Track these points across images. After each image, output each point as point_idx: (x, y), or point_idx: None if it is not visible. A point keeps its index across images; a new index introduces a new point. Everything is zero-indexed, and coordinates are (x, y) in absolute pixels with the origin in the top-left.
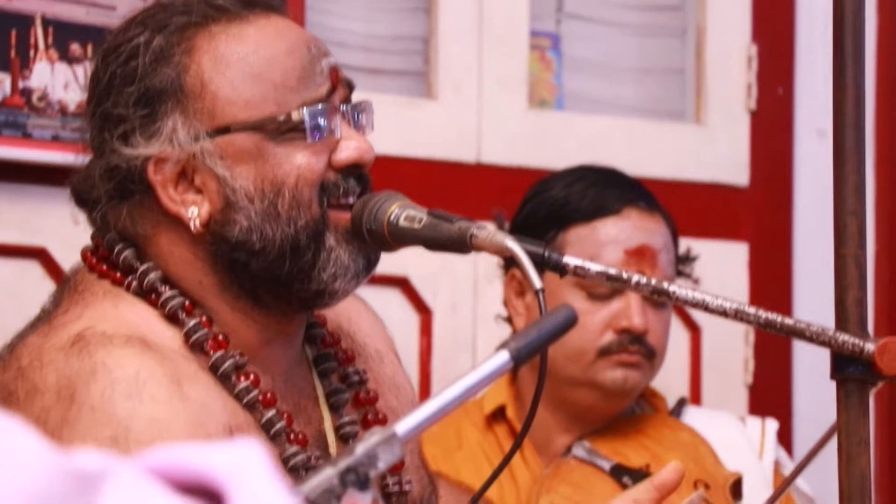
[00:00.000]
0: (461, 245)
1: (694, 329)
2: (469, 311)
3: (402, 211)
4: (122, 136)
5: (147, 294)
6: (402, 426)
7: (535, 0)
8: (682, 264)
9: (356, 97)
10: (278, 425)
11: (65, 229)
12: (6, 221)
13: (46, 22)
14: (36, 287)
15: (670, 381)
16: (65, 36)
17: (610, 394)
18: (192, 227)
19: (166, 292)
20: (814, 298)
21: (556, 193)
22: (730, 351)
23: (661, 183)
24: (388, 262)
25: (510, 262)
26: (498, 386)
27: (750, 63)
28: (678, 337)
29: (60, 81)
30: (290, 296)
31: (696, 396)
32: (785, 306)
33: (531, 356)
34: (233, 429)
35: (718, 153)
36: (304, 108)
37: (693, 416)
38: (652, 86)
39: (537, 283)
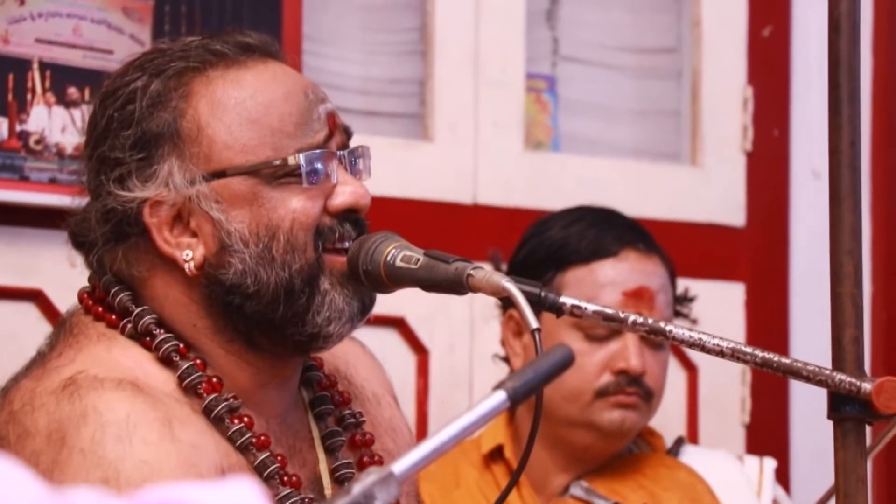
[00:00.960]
0: (458, 286)
1: (691, 369)
2: (466, 352)
3: (399, 252)
4: (118, 179)
5: (142, 337)
6: (399, 465)
7: (531, 42)
8: (680, 304)
9: (354, 142)
10: (272, 468)
11: (61, 272)
12: (3, 264)
13: (44, 66)
14: (32, 329)
15: (667, 420)
16: (62, 79)
17: (607, 435)
18: (187, 270)
19: (160, 335)
20: (810, 338)
21: (555, 234)
22: (727, 390)
23: (658, 224)
24: (385, 303)
25: (507, 302)
26: (495, 425)
27: (745, 105)
28: (675, 376)
29: (58, 125)
30: (285, 339)
31: (693, 436)
32: (781, 346)
33: (528, 396)
34: (225, 470)
35: (715, 194)
36: (301, 154)
37: (691, 456)
38: (648, 127)
39: (533, 323)
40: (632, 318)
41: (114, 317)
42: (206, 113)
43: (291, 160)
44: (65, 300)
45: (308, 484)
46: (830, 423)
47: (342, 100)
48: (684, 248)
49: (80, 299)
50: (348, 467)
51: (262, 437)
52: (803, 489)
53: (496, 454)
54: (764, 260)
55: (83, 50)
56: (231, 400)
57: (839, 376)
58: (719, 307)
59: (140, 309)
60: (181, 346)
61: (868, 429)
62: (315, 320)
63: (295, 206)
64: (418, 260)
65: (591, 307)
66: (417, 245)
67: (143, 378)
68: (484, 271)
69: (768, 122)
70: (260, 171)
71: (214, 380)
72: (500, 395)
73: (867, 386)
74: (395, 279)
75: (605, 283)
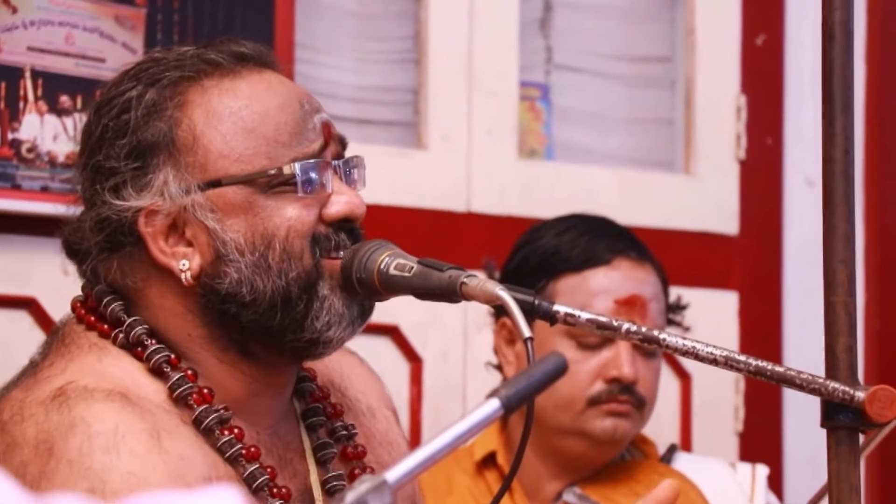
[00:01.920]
0: (451, 293)
1: (684, 377)
2: (459, 360)
3: (393, 259)
4: (113, 188)
5: (133, 347)
6: (393, 473)
7: (524, 51)
8: (673, 312)
9: (348, 152)
10: (261, 479)
11: (55, 279)
12: None
13: (36, 74)
14: (25, 337)
15: (660, 428)
16: (54, 88)
17: (600, 443)
18: (183, 280)
19: (152, 346)
20: (804, 346)
21: (547, 242)
22: (720, 399)
23: (651, 232)
24: (378, 311)
25: (500, 310)
26: (488, 433)
27: (739, 113)
28: (668, 385)
29: (50, 133)
30: (282, 346)
31: (686, 444)
32: (775, 354)
33: (521, 404)
34: (214, 482)
35: (708, 202)
36: (296, 163)
37: (683, 463)
38: (641, 136)
39: (526, 331)
40: (625, 326)
41: (106, 326)
42: (201, 122)
43: (287, 169)
44: (58, 308)
45: (298, 496)
46: (824, 432)
47: (335, 108)
48: (677, 257)
49: (73, 308)
50: (339, 479)
51: (252, 449)
52: (796, 498)
53: (489, 461)
54: (757, 268)
55: (75, 58)
56: (222, 411)
57: (832, 385)
58: (713, 316)
59: (132, 319)
60: (173, 356)
61: (861, 437)
62: (314, 326)
63: (290, 214)
64: (412, 268)
65: (584, 315)
66: (411, 253)
67: (134, 389)
68: (477, 279)
69: (762, 130)
70: (255, 180)
71: (205, 391)
72: (494, 403)
73: (860, 394)
74: (389, 287)
75: (597, 291)
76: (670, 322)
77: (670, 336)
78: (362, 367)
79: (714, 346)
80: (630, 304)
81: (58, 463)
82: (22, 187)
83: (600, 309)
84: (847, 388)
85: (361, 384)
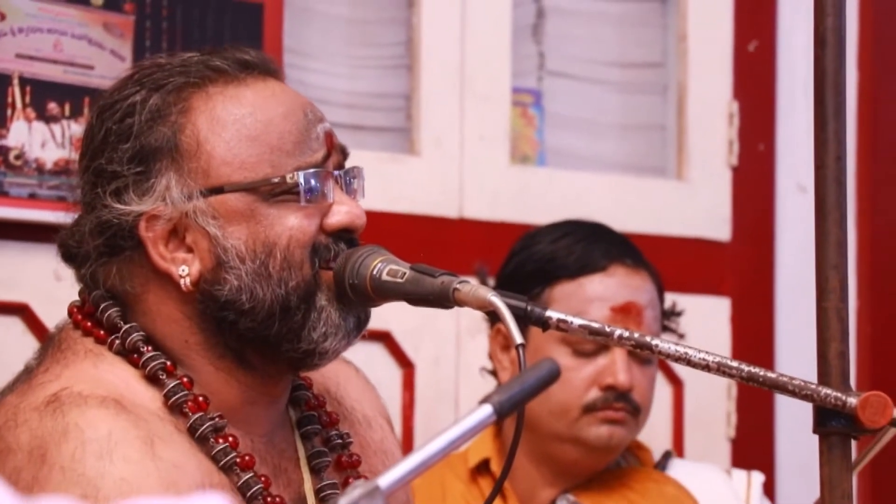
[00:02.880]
0: (444, 299)
1: (676, 383)
2: (452, 365)
3: (385, 265)
4: (114, 192)
5: (129, 354)
6: (385, 479)
7: (516, 57)
8: (668, 319)
9: (348, 163)
10: (255, 488)
11: (47, 285)
12: None
13: (24, 81)
14: (18, 343)
15: (653, 435)
16: (42, 95)
17: (594, 450)
18: (183, 286)
19: (148, 353)
20: (796, 352)
21: (543, 249)
22: (712, 405)
23: (643, 238)
24: (371, 317)
25: (494, 316)
26: (482, 439)
27: (731, 119)
28: (661, 391)
29: (38, 140)
30: (279, 356)
31: (678, 450)
32: (767, 360)
33: (514, 409)
34: (207, 490)
35: (700, 208)
36: (299, 172)
37: (678, 469)
38: (634, 142)
39: (518, 338)
40: (618, 332)
41: (102, 332)
42: (205, 129)
43: (290, 178)
44: (50, 314)
45: None
46: (816, 438)
47: (327, 114)
48: (669, 263)
49: (70, 313)
50: (333, 488)
51: (247, 457)
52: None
53: (483, 468)
54: (749, 274)
55: (64, 65)
56: (216, 419)
57: (825, 391)
58: (705, 322)
59: (128, 325)
60: (168, 363)
61: (854, 443)
62: (311, 336)
63: (292, 223)
64: (404, 274)
65: (577, 321)
66: (403, 259)
67: (129, 395)
68: (470, 285)
69: (754, 136)
70: (258, 188)
71: (201, 398)
72: (487, 409)
73: (853, 400)
74: (382, 293)
75: (593, 298)
76: (665, 328)
77: (663, 342)
78: (358, 376)
79: (706, 352)
80: (625, 312)
81: (51, 469)
82: (10, 194)
83: (596, 316)
84: (839, 394)
85: (357, 393)
